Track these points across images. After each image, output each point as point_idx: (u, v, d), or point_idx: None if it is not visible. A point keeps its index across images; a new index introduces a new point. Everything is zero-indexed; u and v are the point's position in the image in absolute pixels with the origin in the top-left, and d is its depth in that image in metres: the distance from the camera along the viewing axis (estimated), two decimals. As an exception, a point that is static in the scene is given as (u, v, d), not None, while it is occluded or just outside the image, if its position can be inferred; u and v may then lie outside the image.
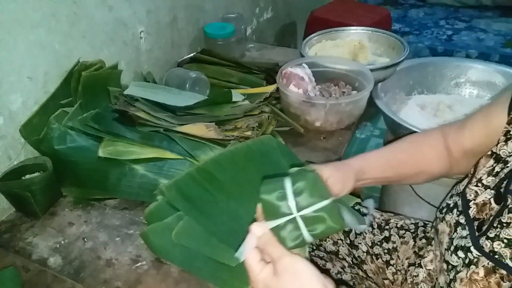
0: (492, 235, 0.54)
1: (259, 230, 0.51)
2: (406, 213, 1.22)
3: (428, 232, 0.80)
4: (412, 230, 0.82)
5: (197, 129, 0.94)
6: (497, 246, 0.52)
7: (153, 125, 0.95)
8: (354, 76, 1.16)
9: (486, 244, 0.54)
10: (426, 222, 0.84)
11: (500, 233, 0.53)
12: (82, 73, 0.99)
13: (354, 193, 0.81)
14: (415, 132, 1.06)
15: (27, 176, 0.89)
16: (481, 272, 0.53)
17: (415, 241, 0.80)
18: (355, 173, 0.72)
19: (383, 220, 0.86)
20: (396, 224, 0.84)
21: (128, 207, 0.89)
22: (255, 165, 0.86)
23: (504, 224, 0.53)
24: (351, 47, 1.39)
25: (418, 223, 0.84)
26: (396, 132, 1.20)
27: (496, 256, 0.52)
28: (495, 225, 0.54)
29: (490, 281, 0.52)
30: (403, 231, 0.83)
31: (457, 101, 1.31)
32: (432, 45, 2.52)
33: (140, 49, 1.23)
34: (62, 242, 0.82)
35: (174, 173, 0.90)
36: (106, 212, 0.88)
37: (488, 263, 0.53)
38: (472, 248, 0.56)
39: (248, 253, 0.51)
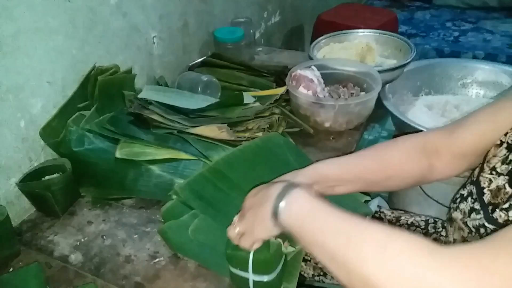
0: (506, 206, 0.56)
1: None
2: (415, 212, 1.23)
3: (438, 228, 0.82)
4: (422, 227, 0.84)
5: (210, 130, 0.97)
6: None
7: (167, 127, 0.98)
8: (362, 77, 1.18)
9: (500, 215, 0.56)
10: (436, 219, 0.86)
11: None
12: (98, 77, 1.02)
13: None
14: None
15: (47, 177, 0.92)
16: None
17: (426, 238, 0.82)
18: (309, 171, 0.72)
19: (394, 217, 0.88)
20: (407, 221, 0.87)
21: (145, 206, 0.92)
22: (264, 162, 0.89)
23: None
24: (359, 49, 1.41)
25: (428, 220, 0.86)
26: (404, 132, 1.22)
27: None
28: (510, 202, 0.56)
29: None
30: (414, 228, 0.85)
31: (464, 101, 1.33)
32: (439, 46, 2.53)
33: (153, 53, 1.26)
34: (82, 240, 0.85)
35: (188, 173, 0.92)
36: (123, 211, 0.91)
37: None
38: (486, 224, 0.58)
39: None
